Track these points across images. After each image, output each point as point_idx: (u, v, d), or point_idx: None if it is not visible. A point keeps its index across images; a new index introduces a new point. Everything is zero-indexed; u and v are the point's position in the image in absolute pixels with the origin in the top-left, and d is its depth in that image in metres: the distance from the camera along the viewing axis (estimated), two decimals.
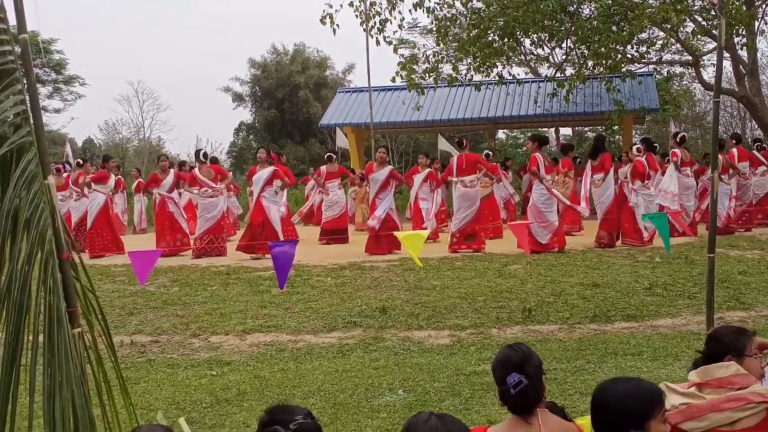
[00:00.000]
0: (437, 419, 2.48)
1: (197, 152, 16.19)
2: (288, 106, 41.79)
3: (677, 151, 15.70)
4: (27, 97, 2.87)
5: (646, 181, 14.46)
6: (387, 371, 7.75)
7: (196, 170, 15.19)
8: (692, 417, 3.23)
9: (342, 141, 22.17)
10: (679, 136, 16.43)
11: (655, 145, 16.42)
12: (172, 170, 16.40)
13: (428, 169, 16.46)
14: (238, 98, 44.30)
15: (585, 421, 3.60)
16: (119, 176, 21.29)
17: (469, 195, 14.43)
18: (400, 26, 18.75)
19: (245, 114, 49.18)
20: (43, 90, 38.80)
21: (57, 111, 42.17)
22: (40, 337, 2.78)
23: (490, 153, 20.21)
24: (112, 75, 72.61)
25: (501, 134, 38.95)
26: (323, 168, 18.50)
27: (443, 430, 2.44)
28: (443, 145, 22.87)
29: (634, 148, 15.32)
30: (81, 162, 19.27)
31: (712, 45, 22.93)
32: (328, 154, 19.02)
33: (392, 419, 6.25)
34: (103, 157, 18.08)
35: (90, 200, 16.12)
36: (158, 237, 15.89)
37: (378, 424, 6.19)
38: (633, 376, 3.04)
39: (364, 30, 18.46)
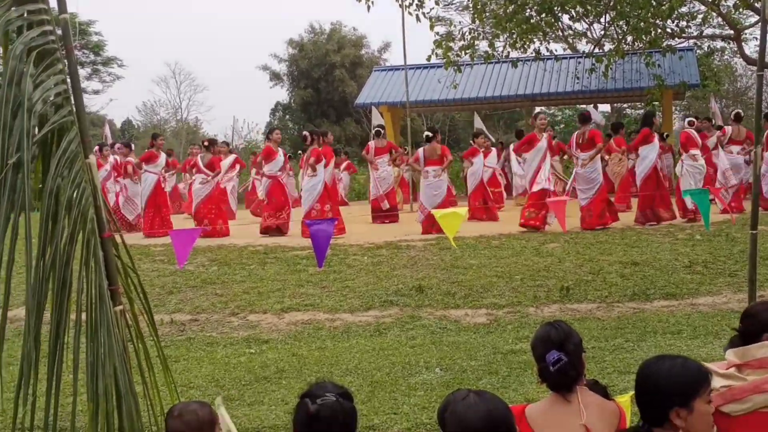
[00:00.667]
0: (476, 396, 2.47)
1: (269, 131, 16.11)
2: (324, 86, 41.81)
3: (727, 128, 15.50)
4: (68, 78, 2.90)
5: (694, 152, 14.27)
6: (424, 350, 7.76)
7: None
8: (734, 399, 3.17)
9: (378, 120, 22.15)
10: (734, 113, 16.29)
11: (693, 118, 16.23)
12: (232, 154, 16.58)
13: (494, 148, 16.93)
14: (275, 77, 44.30)
15: (624, 399, 3.59)
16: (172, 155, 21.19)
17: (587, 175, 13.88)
18: (437, 2, 18.61)
19: (281, 94, 49.16)
20: (81, 72, 39.18)
21: (96, 92, 42.74)
22: (83, 315, 2.82)
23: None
24: (150, 56, 73.22)
25: (538, 110, 38.62)
26: (372, 143, 17.91)
27: (482, 407, 2.43)
28: (479, 123, 22.78)
29: (686, 120, 15.18)
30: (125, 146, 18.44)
31: (755, 18, 22.42)
32: (376, 128, 18.55)
33: (429, 397, 6.27)
34: (152, 135, 17.79)
35: (142, 181, 16.05)
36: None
37: (415, 401, 6.21)
38: (677, 355, 2.99)
39: (401, 6, 18.33)
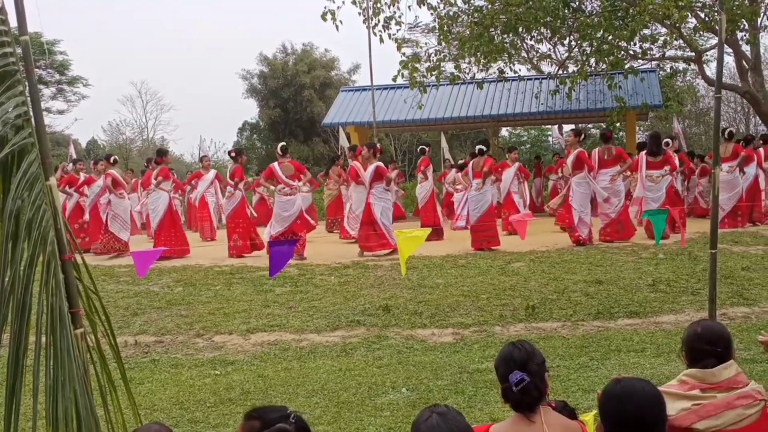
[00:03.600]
0: (438, 417, 2.49)
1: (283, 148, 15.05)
2: (292, 106, 41.79)
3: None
4: (28, 99, 2.88)
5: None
6: (390, 369, 7.76)
7: (276, 165, 14.07)
8: (708, 416, 3.24)
9: (344, 140, 22.20)
10: (727, 131, 16.73)
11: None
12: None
13: (517, 164, 17.14)
14: (252, 89, 43.98)
15: (587, 418, 3.62)
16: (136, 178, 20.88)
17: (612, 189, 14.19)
18: (398, 23, 18.76)
19: (249, 113, 48.96)
20: (46, 91, 38.86)
21: (61, 112, 42.29)
22: (43, 339, 2.79)
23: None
24: (116, 76, 72.79)
25: (504, 132, 38.94)
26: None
27: (445, 428, 2.45)
28: (444, 143, 22.97)
29: (663, 141, 15.62)
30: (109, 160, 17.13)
31: (715, 41, 22.84)
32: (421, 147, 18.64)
33: (395, 417, 6.26)
34: (158, 152, 16.73)
35: (153, 200, 15.40)
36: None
37: (381, 422, 6.20)
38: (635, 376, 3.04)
39: (367, 27, 18.46)
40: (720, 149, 15.97)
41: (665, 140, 16.39)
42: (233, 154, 15.95)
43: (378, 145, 15.21)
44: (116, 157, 17.34)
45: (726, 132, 16.65)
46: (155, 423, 3.27)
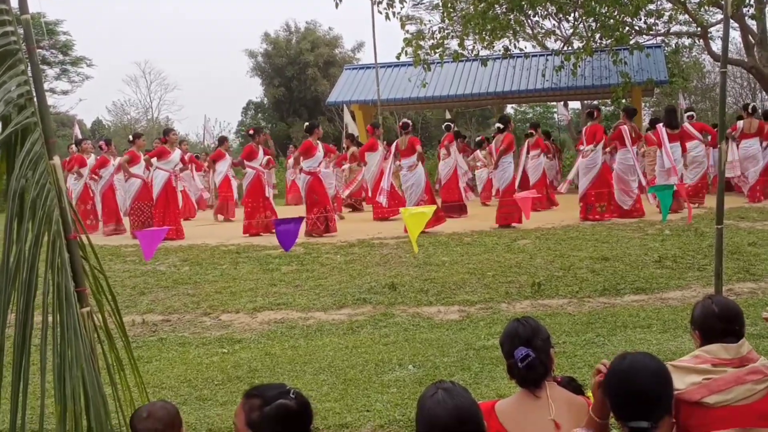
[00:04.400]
0: (444, 392, 2.49)
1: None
2: (296, 84, 41.68)
3: (738, 123, 16.44)
4: (31, 79, 2.87)
5: None
6: (397, 347, 7.78)
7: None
8: (718, 390, 3.23)
9: (349, 119, 22.16)
10: (751, 106, 16.92)
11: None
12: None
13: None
14: (257, 67, 43.85)
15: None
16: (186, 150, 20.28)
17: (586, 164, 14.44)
18: (402, 0, 18.63)
19: (254, 92, 48.83)
20: (50, 72, 38.76)
21: (65, 93, 42.28)
22: (50, 318, 2.80)
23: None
24: (120, 56, 72.63)
25: (509, 108, 38.77)
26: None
27: (450, 403, 2.46)
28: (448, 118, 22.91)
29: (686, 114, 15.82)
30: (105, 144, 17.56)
31: (720, 15, 22.63)
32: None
33: (402, 394, 6.28)
34: (164, 131, 16.58)
35: (154, 178, 15.04)
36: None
37: (388, 398, 6.22)
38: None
39: (372, 2, 18.33)
40: (744, 125, 16.20)
41: (689, 113, 16.56)
42: (251, 132, 15.83)
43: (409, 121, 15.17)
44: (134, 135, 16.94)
45: (750, 107, 16.68)
46: (160, 400, 3.30)
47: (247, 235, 14.30)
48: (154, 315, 9.52)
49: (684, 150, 15.18)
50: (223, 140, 19.69)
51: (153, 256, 6.71)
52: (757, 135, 16.29)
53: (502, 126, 14.68)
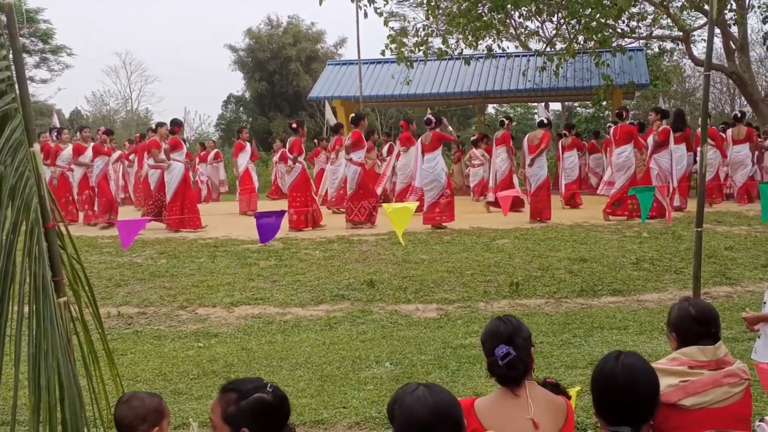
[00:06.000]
0: (425, 389, 2.48)
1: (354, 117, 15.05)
2: (278, 79, 41.58)
3: (729, 130, 16.94)
4: (12, 64, 2.83)
5: None
6: (374, 344, 7.78)
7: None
8: (695, 392, 3.23)
9: (330, 116, 22.09)
10: (737, 113, 17.57)
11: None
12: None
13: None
14: (239, 61, 43.65)
15: (571, 393, 3.62)
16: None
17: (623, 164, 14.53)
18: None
19: (236, 83, 48.65)
20: (29, 60, 38.39)
21: (44, 81, 41.87)
22: (26, 308, 2.76)
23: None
24: (101, 46, 72.08)
25: (490, 108, 38.86)
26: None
27: (430, 399, 2.44)
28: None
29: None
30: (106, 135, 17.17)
31: (703, 20, 22.86)
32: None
33: (379, 391, 6.28)
34: (173, 122, 15.61)
35: (170, 170, 14.54)
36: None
37: (365, 395, 6.21)
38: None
39: (352, 0, 18.31)
40: (733, 132, 16.56)
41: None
42: (294, 126, 15.56)
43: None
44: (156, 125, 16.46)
45: (736, 114, 17.35)
46: (142, 392, 3.29)
47: (294, 230, 13.77)
48: (129, 307, 9.45)
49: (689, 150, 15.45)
50: (240, 131, 19.35)
51: (130, 247, 6.65)
52: (746, 141, 16.79)
53: (546, 122, 15.27)
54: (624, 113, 15.18)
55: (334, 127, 17.58)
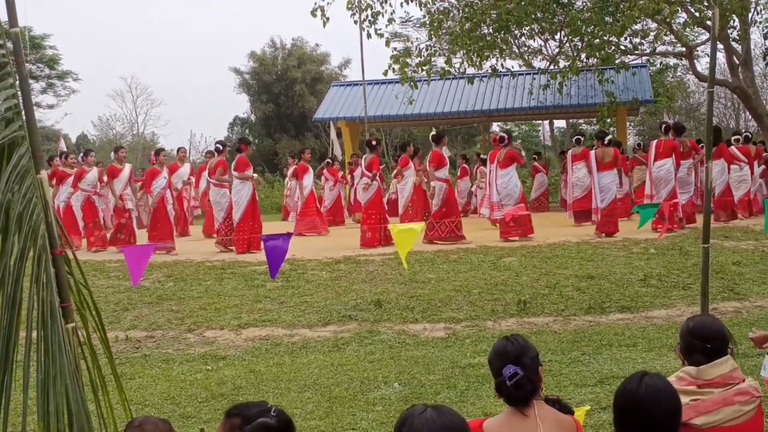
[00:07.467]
0: (433, 411, 2.47)
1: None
2: (283, 101, 41.71)
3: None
4: (19, 92, 2.85)
5: None
6: (382, 364, 7.76)
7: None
8: (706, 411, 3.22)
9: (334, 137, 22.14)
10: (744, 135, 17.83)
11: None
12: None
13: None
14: (244, 84, 43.82)
15: (580, 413, 3.61)
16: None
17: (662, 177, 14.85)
18: (391, 20, 18.74)
19: (241, 105, 48.85)
20: (36, 86, 38.64)
21: (50, 107, 42.09)
22: (34, 333, 2.77)
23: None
24: (106, 70, 72.53)
25: (495, 127, 38.94)
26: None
27: (439, 422, 2.43)
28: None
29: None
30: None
31: (705, 36, 22.97)
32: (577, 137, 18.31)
33: (387, 412, 6.26)
34: (240, 140, 15.75)
35: (236, 191, 14.39)
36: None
37: (374, 417, 6.19)
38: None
39: (355, 22, 18.44)
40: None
41: (736, 136, 17.88)
42: (373, 143, 15.48)
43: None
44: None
45: (744, 135, 17.76)
46: (153, 417, 3.27)
47: (366, 247, 13.87)
48: (137, 331, 9.45)
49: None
50: (302, 152, 19.02)
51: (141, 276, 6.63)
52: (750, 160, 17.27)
53: (506, 136, 15.22)
54: (665, 126, 15.48)
55: (402, 145, 17.64)
